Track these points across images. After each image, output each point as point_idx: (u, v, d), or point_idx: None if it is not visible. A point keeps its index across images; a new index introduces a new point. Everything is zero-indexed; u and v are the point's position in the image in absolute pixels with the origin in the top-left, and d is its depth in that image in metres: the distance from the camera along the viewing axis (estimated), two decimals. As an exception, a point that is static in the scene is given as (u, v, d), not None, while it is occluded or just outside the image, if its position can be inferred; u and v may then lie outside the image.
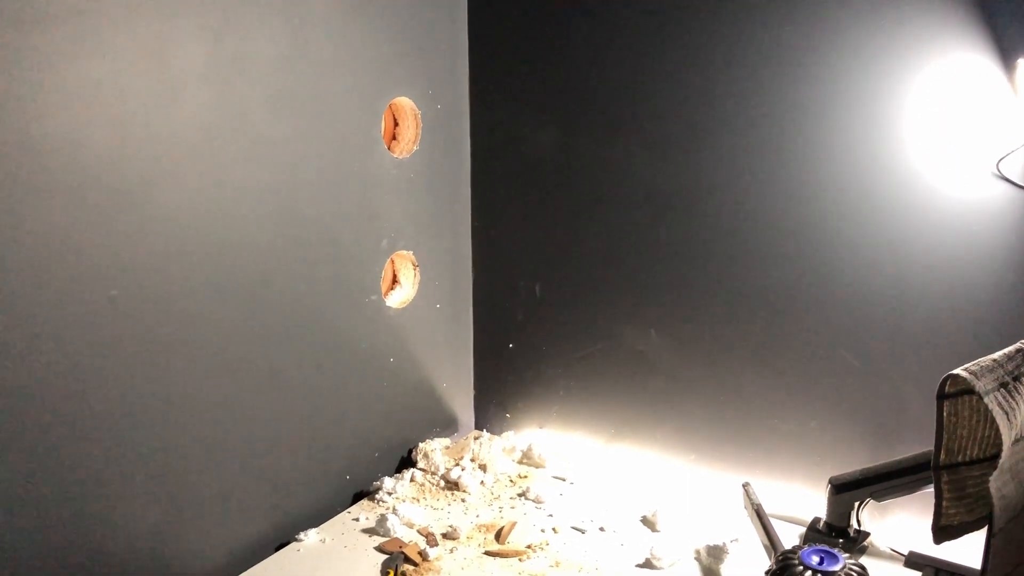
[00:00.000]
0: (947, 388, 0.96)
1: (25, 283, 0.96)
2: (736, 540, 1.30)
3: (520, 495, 1.48)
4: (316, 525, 1.37)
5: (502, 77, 1.59)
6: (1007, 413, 0.90)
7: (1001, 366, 0.94)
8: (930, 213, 1.24)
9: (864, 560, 1.23)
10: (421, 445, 1.58)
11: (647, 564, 1.27)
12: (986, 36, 1.16)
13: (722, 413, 1.48)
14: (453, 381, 1.73)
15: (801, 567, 1.03)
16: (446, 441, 1.64)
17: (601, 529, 1.37)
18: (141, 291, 1.09)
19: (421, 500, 1.46)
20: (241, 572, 1.24)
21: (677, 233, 1.46)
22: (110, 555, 1.10)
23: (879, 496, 1.23)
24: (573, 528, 1.37)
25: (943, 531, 1.01)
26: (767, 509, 1.36)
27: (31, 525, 1.00)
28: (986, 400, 0.89)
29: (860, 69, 1.25)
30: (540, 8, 1.51)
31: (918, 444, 1.25)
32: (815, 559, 1.04)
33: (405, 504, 1.41)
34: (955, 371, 0.92)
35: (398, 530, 1.33)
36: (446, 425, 1.72)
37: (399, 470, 1.58)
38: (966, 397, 0.96)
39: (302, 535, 1.33)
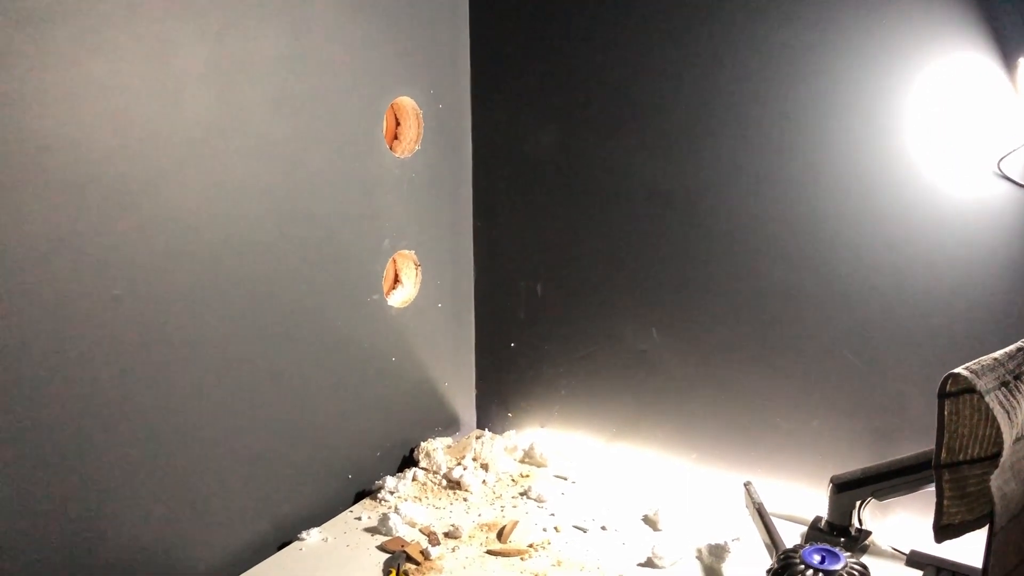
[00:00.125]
0: (948, 387, 0.96)
1: (27, 283, 0.96)
2: (738, 539, 1.30)
3: (522, 494, 1.48)
4: (318, 524, 1.37)
5: (504, 77, 1.59)
6: (1008, 412, 0.90)
7: (1002, 365, 0.94)
8: (931, 212, 1.24)
9: (865, 559, 1.23)
10: (423, 444, 1.59)
11: (649, 563, 1.27)
12: (987, 35, 1.16)
13: (723, 412, 1.48)
14: (455, 380, 1.73)
15: (802, 566, 1.04)
16: (448, 440, 1.64)
17: (603, 528, 1.37)
18: (143, 291, 1.09)
19: (423, 499, 1.47)
20: (243, 571, 1.24)
21: (678, 232, 1.46)
22: (112, 555, 1.10)
23: (880, 495, 1.23)
24: (575, 527, 1.38)
25: (944, 530, 1.01)
26: (769, 508, 1.36)
27: (32, 525, 1.00)
28: (987, 399, 0.89)
29: (861, 68, 1.25)
30: (542, 8, 1.52)
31: (919, 443, 1.25)
32: (816, 558, 1.04)
33: (407, 503, 1.41)
34: (956, 370, 0.92)
35: (400, 529, 1.34)
36: (448, 424, 1.73)
37: (401, 469, 1.58)
38: (967, 396, 0.96)
39: (304, 534, 1.33)
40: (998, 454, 0.91)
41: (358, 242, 1.43)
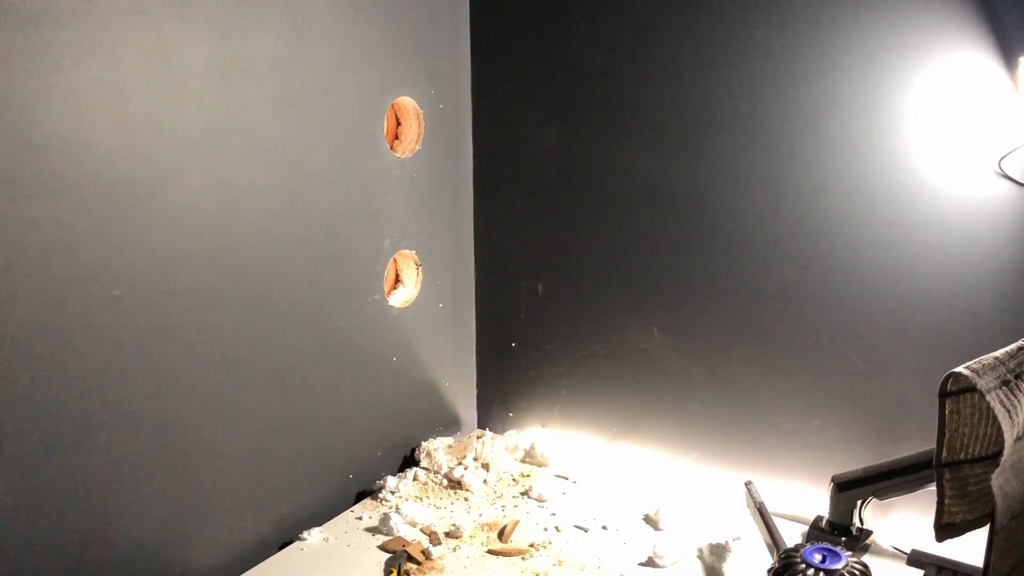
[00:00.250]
0: (949, 386, 0.96)
1: (29, 283, 0.96)
2: (739, 538, 1.30)
3: (523, 494, 1.48)
4: (319, 524, 1.37)
5: (504, 77, 1.59)
6: (1009, 411, 0.90)
7: (1003, 364, 0.94)
8: (932, 211, 1.24)
9: (866, 558, 1.23)
10: (424, 444, 1.59)
11: (650, 563, 1.27)
12: (988, 34, 1.16)
13: (724, 412, 1.48)
14: (456, 380, 1.73)
15: (803, 565, 1.04)
16: (449, 440, 1.64)
17: (604, 528, 1.37)
18: (144, 291, 1.09)
19: (424, 499, 1.47)
20: (244, 571, 1.24)
21: (679, 232, 1.46)
22: (114, 555, 1.10)
23: (881, 494, 1.23)
24: (576, 527, 1.38)
25: (945, 529, 1.01)
26: (769, 507, 1.36)
27: (34, 525, 1.00)
28: (988, 398, 0.89)
29: (861, 68, 1.25)
30: (542, 8, 1.52)
31: (920, 442, 1.25)
32: (817, 557, 1.04)
33: (408, 503, 1.42)
34: (957, 369, 0.92)
35: (401, 529, 1.34)
36: (449, 424, 1.73)
37: (402, 469, 1.58)
38: (968, 395, 0.96)
39: (305, 534, 1.34)
40: (999, 453, 0.91)
41: (359, 242, 1.43)
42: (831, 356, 1.36)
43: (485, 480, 1.52)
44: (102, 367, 1.05)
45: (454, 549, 1.30)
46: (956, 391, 0.96)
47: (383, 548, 1.30)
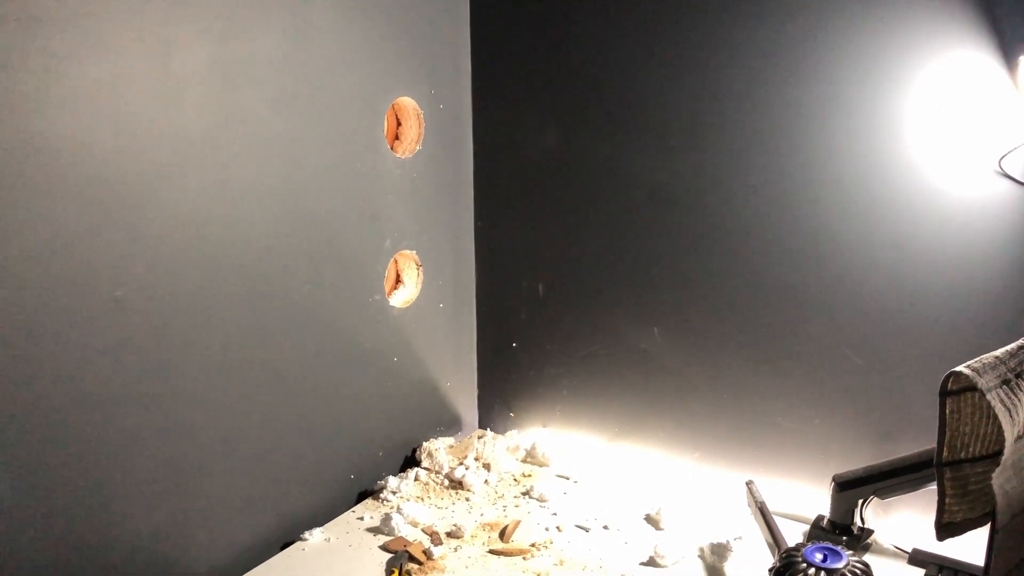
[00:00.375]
0: (949, 385, 0.96)
1: (30, 283, 0.96)
2: (740, 538, 1.30)
3: (524, 494, 1.48)
4: (321, 524, 1.38)
5: (505, 77, 1.60)
6: (1009, 410, 0.90)
7: (1003, 363, 0.94)
8: (932, 210, 1.24)
9: (868, 557, 1.23)
10: (425, 444, 1.59)
11: (651, 562, 1.27)
12: (988, 33, 1.16)
13: (725, 411, 1.48)
14: (457, 380, 1.73)
15: (805, 564, 1.04)
16: (450, 440, 1.64)
17: (605, 527, 1.37)
18: (145, 292, 1.09)
19: (425, 499, 1.47)
20: (246, 571, 1.24)
21: (679, 231, 1.46)
22: (115, 555, 1.10)
23: (883, 494, 1.23)
24: (577, 526, 1.38)
25: (946, 528, 1.01)
26: (771, 507, 1.36)
27: (33, 526, 1.00)
28: (988, 397, 0.89)
29: (861, 67, 1.25)
30: (542, 8, 1.52)
31: (921, 441, 1.25)
32: (819, 556, 1.04)
33: (409, 503, 1.42)
34: (957, 368, 0.92)
35: (402, 529, 1.34)
36: (450, 424, 1.73)
37: (403, 469, 1.58)
38: (968, 394, 0.96)
39: (307, 534, 1.34)
40: (999, 452, 0.91)
41: (359, 242, 1.43)
42: (832, 355, 1.36)
43: (486, 480, 1.52)
44: (102, 368, 1.05)
45: (455, 549, 1.30)
46: (957, 390, 0.96)
47: (384, 548, 1.30)
